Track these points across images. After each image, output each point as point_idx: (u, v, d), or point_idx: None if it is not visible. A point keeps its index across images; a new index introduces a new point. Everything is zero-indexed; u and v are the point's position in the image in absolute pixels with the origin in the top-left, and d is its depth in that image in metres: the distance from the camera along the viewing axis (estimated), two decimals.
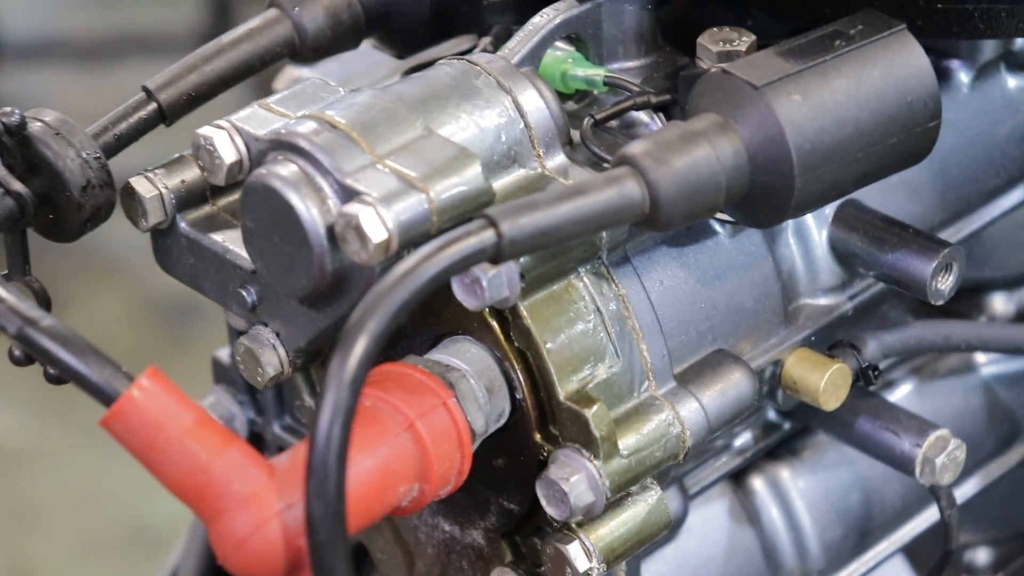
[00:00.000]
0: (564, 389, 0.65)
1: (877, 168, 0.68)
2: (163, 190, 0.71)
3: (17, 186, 0.70)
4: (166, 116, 0.75)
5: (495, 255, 0.57)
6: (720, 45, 0.70)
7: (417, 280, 0.55)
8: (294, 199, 0.60)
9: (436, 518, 0.76)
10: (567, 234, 0.59)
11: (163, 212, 0.72)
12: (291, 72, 0.91)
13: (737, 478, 0.82)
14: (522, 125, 0.66)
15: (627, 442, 0.65)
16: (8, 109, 0.70)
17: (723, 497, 0.81)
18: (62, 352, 0.60)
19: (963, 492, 0.85)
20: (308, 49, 0.79)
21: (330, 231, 0.60)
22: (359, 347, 0.54)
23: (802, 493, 0.82)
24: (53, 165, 0.70)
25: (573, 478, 0.64)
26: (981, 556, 0.95)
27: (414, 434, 0.62)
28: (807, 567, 0.83)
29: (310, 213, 0.60)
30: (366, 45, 0.89)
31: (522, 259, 0.63)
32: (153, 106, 0.74)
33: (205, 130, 0.68)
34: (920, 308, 0.86)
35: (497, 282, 0.60)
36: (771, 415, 0.81)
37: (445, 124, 0.65)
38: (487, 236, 0.56)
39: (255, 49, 0.77)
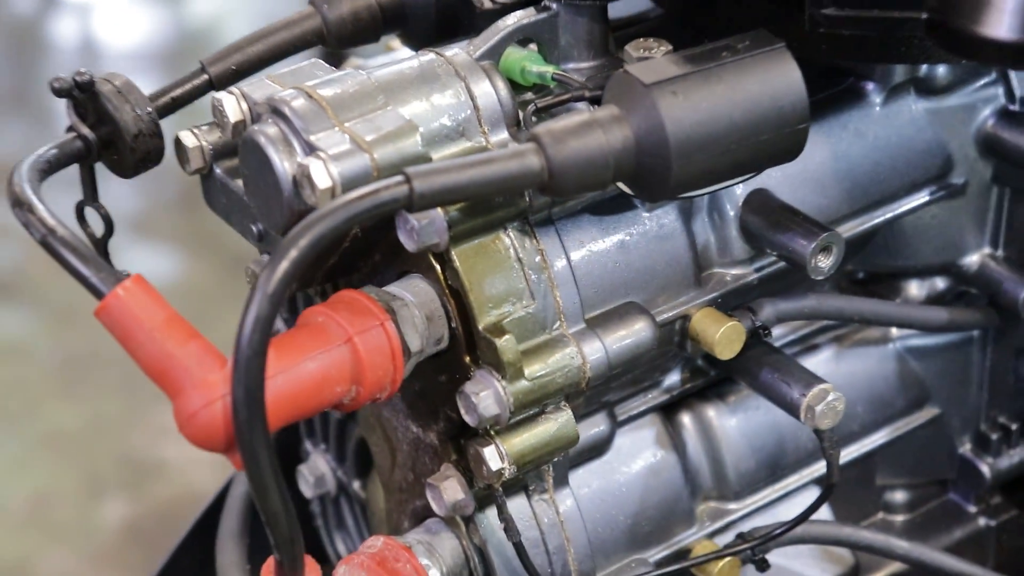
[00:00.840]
0: (483, 321, 0.69)
1: (750, 160, 0.70)
2: (203, 143, 0.77)
3: (85, 130, 0.79)
4: (214, 85, 0.83)
5: (407, 204, 0.60)
6: (640, 52, 0.73)
7: (335, 218, 0.59)
8: (271, 152, 0.65)
9: (407, 421, 0.80)
10: (472, 193, 0.64)
11: (202, 160, 0.78)
12: (354, 61, 0.96)
13: (668, 413, 0.83)
14: (471, 107, 0.70)
15: (532, 369, 0.68)
16: (82, 70, 0.78)
17: (652, 426, 0.83)
18: (70, 256, 0.67)
19: (875, 440, 0.89)
20: (333, 39, 0.87)
21: (295, 179, 0.65)
22: (280, 267, 0.57)
23: (724, 430, 0.84)
24: (113, 116, 0.78)
25: (482, 393, 0.67)
26: (899, 496, 0.96)
27: (352, 346, 0.66)
28: (723, 490, 0.85)
29: (282, 164, 0.65)
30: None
31: (452, 213, 0.67)
32: (204, 77, 0.82)
33: (220, 94, 0.73)
34: (850, 287, 0.90)
35: (428, 230, 0.64)
36: (700, 362, 0.83)
37: (405, 102, 0.69)
38: (401, 189, 0.60)
39: (290, 36, 0.86)
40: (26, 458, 3.03)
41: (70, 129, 0.81)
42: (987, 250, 0.89)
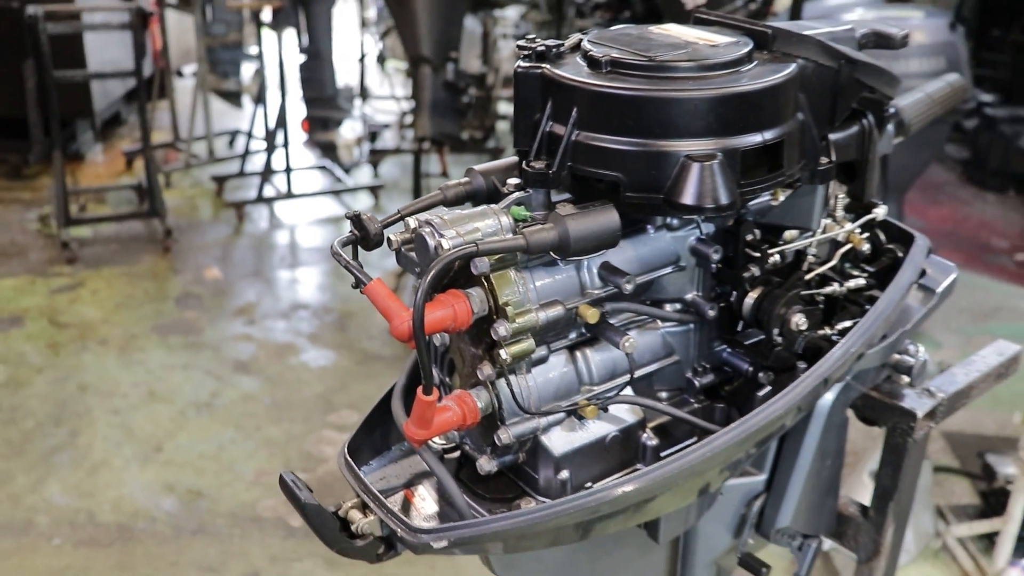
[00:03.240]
0: (501, 302, 0.88)
1: (597, 248, 0.91)
2: (397, 241, 0.95)
3: (356, 233, 0.96)
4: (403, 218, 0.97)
5: (475, 255, 0.84)
6: (567, 209, 0.91)
7: (443, 260, 0.83)
8: (427, 236, 0.88)
9: (469, 345, 0.95)
10: (497, 251, 0.86)
11: (398, 244, 0.95)
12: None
13: (571, 348, 0.98)
14: (499, 224, 0.90)
15: (517, 321, 0.88)
16: (355, 212, 0.92)
17: (564, 352, 0.97)
18: (357, 272, 0.91)
19: (651, 368, 1.03)
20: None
21: (434, 248, 0.87)
22: (429, 276, 0.82)
23: (589, 356, 0.98)
24: (367, 227, 0.96)
25: (499, 327, 0.87)
26: (663, 395, 1.05)
27: (453, 308, 0.87)
28: (590, 382, 0.98)
29: (431, 241, 0.88)
30: None
31: (492, 260, 0.88)
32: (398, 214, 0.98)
33: (409, 221, 0.94)
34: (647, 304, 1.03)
35: (481, 266, 0.87)
36: (583, 329, 0.97)
37: (476, 220, 0.90)
38: (470, 248, 0.84)
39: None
40: (253, 453, 3.60)
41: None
42: (695, 292, 1.02)
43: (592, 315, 0.92)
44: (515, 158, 1.00)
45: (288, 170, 6.13)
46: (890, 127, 1.44)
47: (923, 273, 1.18)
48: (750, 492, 1.17)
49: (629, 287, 0.93)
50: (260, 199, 6.04)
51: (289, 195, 6.00)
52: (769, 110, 0.92)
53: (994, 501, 3.00)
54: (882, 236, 1.16)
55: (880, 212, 1.09)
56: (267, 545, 3.24)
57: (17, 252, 5.58)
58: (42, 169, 6.40)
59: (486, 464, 0.96)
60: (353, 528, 0.97)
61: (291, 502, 0.93)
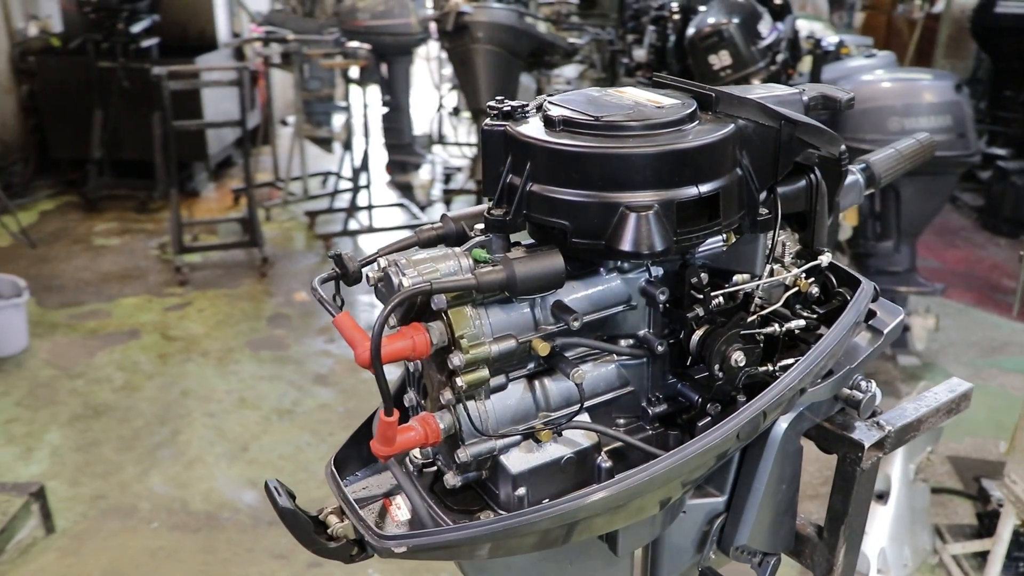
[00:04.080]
0: (457, 334, 0.87)
1: (546, 288, 0.90)
2: (372, 277, 0.93)
3: (339, 270, 0.96)
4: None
5: (430, 292, 0.84)
6: (518, 252, 0.90)
7: (400, 296, 0.83)
8: (392, 275, 0.88)
9: (434, 372, 0.93)
10: (453, 289, 0.85)
11: (374, 281, 0.93)
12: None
13: (529, 377, 0.95)
14: (459, 266, 0.90)
15: (472, 353, 0.86)
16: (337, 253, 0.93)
17: (522, 381, 0.95)
18: (329, 307, 0.92)
19: (608, 396, 1.00)
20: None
21: (397, 284, 0.87)
22: (386, 310, 0.81)
23: (547, 385, 0.96)
24: (347, 266, 0.96)
25: (454, 358, 0.85)
26: (621, 422, 1.02)
27: (413, 340, 0.86)
28: (547, 407, 0.96)
29: (395, 279, 0.88)
30: None
31: (448, 298, 0.86)
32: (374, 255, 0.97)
33: (381, 261, 0.92)
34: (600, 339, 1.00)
35: (439, 302, 0.85)
36: (539, 360, 0.94)
37: (439, 262, 0.90)
38: (426, 287, 0.83)
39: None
40: (325, 456, 3.72)
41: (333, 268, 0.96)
42: (647, 329, 0.99)
43: (543, 348, 0.90)
44: (484, 206, 0.98)
45: (371, 207, 6.29)
46: (860, 179, 1.40)
47: (873, 315, 1.12)
48: (712, 511, 1.14)
49: (576, 324, 0.90)
50: (346, 232, 6.14)
51: (371, 229, 6.09)
52: (705, 165, 0.89)
53: (988, 522, 2.89)
54: (834, 280, 1.09)
55: (824, 259, 1.04)
56: None
57: (139, 275, 5.73)
58: (164, 204, 6.58)
59: (451, 479, 0.94)
60: (329, 531, 0.96)
61: (272, 505, 0.92)
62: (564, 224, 0.89)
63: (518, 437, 0.92)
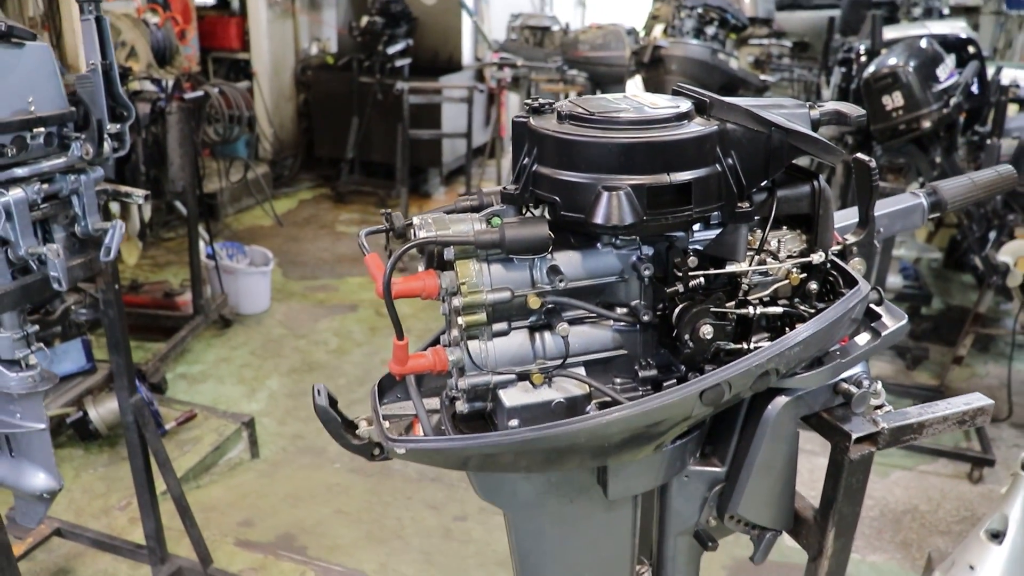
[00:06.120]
0: (461, 281, 0.94)
1: (529, 250, 0.95)
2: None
3: (388, 225, 1.23)
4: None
5: (434, 243, 0.93)
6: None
7: (410, 244, 0.93)
8: (418, 228, 0.94)
9: (451, 314, 0.97)
10: (461, 242, 0.93)
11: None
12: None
13: (532, 330, 0.99)
14: (472, 228, 0.96)
15: (472, 297, 0.93)
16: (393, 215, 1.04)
17: (524, 330, 0.99)
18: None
19: (604, 355, 1.03)
20: None
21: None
22: (397, 253, 0.93)
23: (545, 336, 1.00)
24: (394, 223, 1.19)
25: (456, 300, 0.93)
26: (618, 381, 1.05)
27: (424, 282, 0.95)
28: (545, 356, 0.99)
29: (417, 232, 0.94)
30: None
31: (457, 251, 0.94)
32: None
33: (419, 220, 0.96)
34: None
35: (448, 254, 0.94)
36: (539, 314, 0.98)
37: (456, 223, 0.96)
38: (432, 239, 0.93)
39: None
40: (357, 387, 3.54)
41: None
42: (638, 301, 1.03)
43: (535, 302, 0.96)
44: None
45: None
46: (924, 203, 1.39)
47: (878, 317, 1.14)
48: (713, 480, 1.18)
49: (561, 285, 0.97)
50: None
51: None
52: (678, 157, 0.93)
53: None
54: (841, 281, 1.12)
55: (815, 258, 1.06)
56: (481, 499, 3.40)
57: None
58: (399, 201, 7.06)
59: (460, 405, 1.03)
60: (358, 432, 1.10)
61: (313, 403, 1.08)
62: (556, 199, 0.95)
63: (513, 377, 0.97)
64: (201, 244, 4.61)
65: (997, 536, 2.46)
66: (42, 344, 2.02)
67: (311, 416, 3.95)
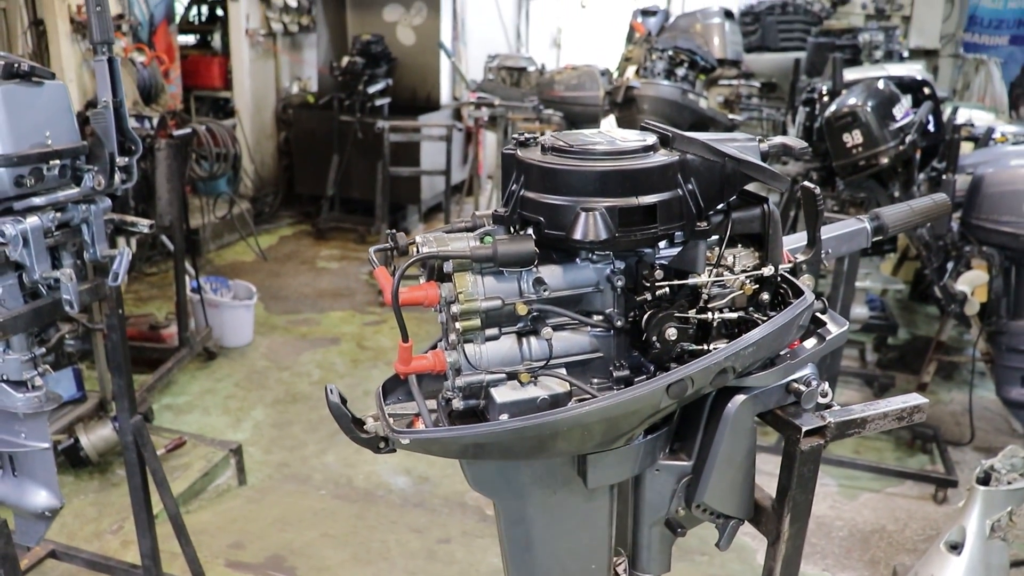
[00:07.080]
0: (458, 291, 1.02)
1: (518, 263, 1.04)
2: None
3: (391, 244, 1.36)
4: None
5: (433, 258, 1.03)
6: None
7: (413, 259, 1.01)
8: (422, 244, 1.04)
9: (448, 321, 1.06)
10: (458, 257, 1.02)
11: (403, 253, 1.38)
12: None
13: (520, 335, 1.07)
14: (467, 245, 1.04)
15: (468, 305, 1.02)
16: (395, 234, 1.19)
17: (513, 335, 1.08)
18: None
19: (582, 358, 1.11)
20: None
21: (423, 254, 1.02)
22: (404, 267, 0.99)
23: (530, 340, 1.08)
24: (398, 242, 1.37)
25: (454, 307, 1.02)
26: (595, 380, 1.12)
27: (427, 292, 1.04)
28: (533, 358, 1.07)
29: (419, 249, 1.04)
30: None
31: (455, 264, 1.02)
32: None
33: (418, 239, 1.05)
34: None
35: (447, 267, 1.03)
36: (527, 321, 1.06)
37: (454, 243, 1.04)
38: (432, 254, 1.01)
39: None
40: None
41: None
42: (612, 309, 1.11)
43: (522, 309, 1.04)
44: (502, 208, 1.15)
45: None
46: (868, 226, 1.55)
47: (822, 324, 1.28)
48: (681, 473, 1.28)
49: (545, 295, 1.06)
50: None
51: None
52: (645, 183, 1.04)
53: None
54: (791, 292, 1.24)
55: (766, 271, 1.17)
56: (463, 523, 3.51)
57: (348, 294, 6.31)
58: (379, 238, 7.17)
59: (456, 403, 1.09)
60: (366, 428, 1.23)
61: (326, 400, 1.21)
62: (540, 219, 1.04)
63: (503, 376, 1.05)
64: (186, 278, 4.69)
65: (956, 547, 2.62)
66: (48, 366, 2.09)
67: (296, 445, 4.05)
